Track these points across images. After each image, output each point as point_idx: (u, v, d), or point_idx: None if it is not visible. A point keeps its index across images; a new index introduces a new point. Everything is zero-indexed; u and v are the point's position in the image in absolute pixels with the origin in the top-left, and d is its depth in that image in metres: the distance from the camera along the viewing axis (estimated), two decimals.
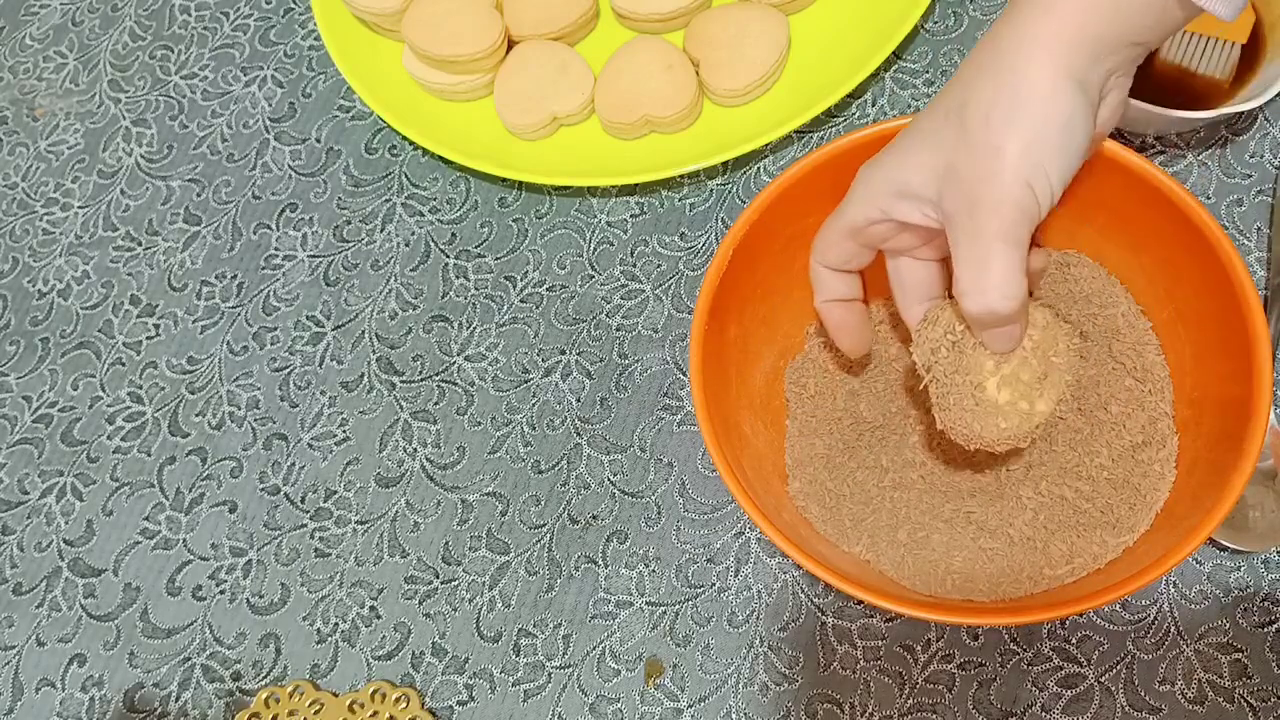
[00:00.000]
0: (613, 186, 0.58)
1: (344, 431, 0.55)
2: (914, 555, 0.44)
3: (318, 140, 0.63)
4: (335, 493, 0.53)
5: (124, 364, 0.59)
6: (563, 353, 0.55)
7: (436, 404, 0.54)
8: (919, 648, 0.46)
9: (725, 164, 0.57)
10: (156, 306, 0.60)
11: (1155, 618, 0.45)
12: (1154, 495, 0.42)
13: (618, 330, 0.55)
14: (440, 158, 0.60)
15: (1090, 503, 0.43)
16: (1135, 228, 0.44)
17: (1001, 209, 0.33)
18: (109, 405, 0.58)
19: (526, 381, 0.54)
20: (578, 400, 0.53)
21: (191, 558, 0.53)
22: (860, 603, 0.47)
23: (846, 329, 0.44)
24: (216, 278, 0.60)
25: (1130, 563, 0.40)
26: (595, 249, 0.57)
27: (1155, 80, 0.52)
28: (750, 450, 0.45)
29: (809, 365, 0.49)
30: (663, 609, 0.49)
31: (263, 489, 0.54)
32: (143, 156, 0.64)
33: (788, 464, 0.47)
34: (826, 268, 0.42)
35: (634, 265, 0.56)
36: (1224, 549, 0.45)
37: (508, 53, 0.59)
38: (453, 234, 0.59)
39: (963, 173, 0.34)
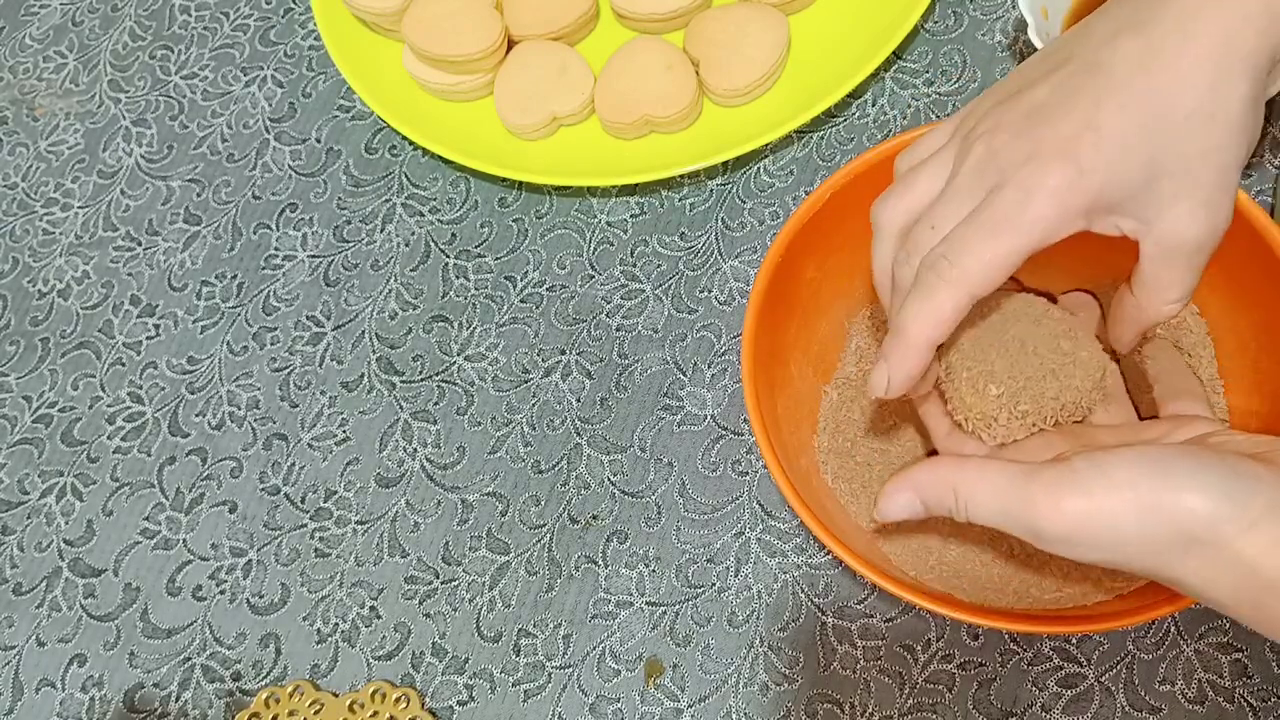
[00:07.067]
0: (613, 186, 0.58)
1: (344, 431, 0.55)
2: (912, 537, 0.44)
3: (318, 140, 0.63)
4: (335, 493, 0.53)
5: (124, 364, 0.59)
6: (563, 353, 0.55)
7: (436, 404, 0.54)
8: (919, 647, 0.46)
9: (725, 164, 0.57)
10: (156, 306, 0.60)
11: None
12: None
13: (618, 330, 0.55)
14: (440, 158, 0.60)
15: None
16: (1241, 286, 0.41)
17: None
18: (109, 405, 0.58)
19: (526, 381, 0.54)
20: (578, 400, 0.53)
21: (191, 558, 0.53)
22: (861, 602, 0.47)
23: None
24: (216, 278, 0.60)
25: (1121, 603, 0.40)
26: (595, 249, 0.57)
27: None
28: (790, 390, 0.45)
29: (873, 335, 0.48)
30: (663, 609, 0.49)
31: (263, 489, 0.54)
32: (143, 156, 0.64)
33: (821, 414, 0.47)
34: None
35: (634, 265, 0.56)
36: None
37: (508, 53, 0.59)
38: (453, 234, 0.59)
39: None
